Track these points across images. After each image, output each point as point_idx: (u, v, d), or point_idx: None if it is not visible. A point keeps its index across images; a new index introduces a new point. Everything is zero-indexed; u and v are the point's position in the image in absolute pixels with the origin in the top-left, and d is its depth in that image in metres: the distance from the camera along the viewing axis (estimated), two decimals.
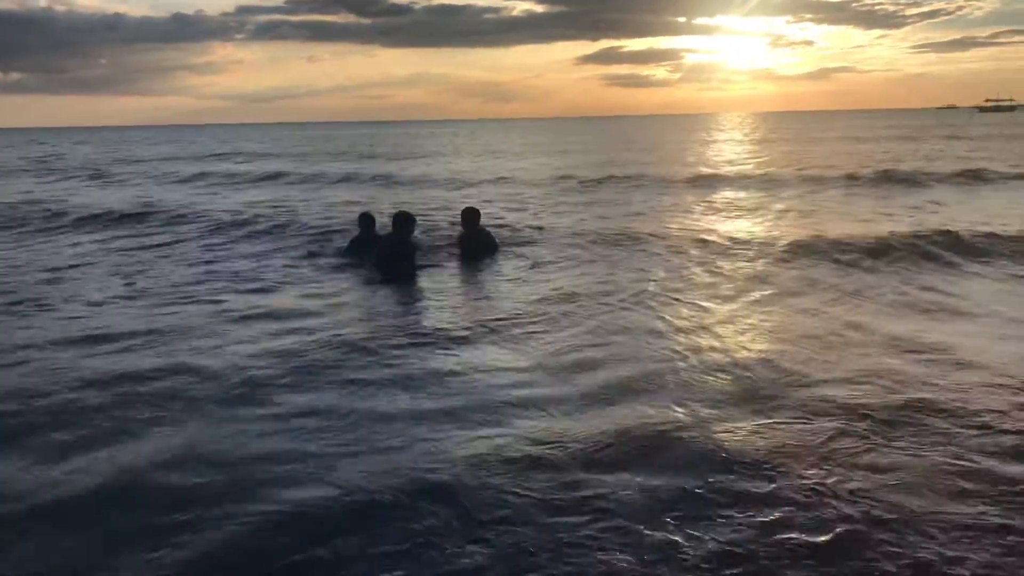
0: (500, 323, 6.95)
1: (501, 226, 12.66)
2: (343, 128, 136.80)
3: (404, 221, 9.90)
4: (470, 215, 10.90)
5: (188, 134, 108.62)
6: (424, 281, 9.13)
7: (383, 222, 10.89)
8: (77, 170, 32.53)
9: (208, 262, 10.62)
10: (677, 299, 7.79)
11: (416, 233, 10.42)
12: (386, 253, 9.80)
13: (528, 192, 19.51)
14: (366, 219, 10.82)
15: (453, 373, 5.60)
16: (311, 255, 10.91)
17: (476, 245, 10.74)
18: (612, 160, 31.44)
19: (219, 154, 44.55)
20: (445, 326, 6.87)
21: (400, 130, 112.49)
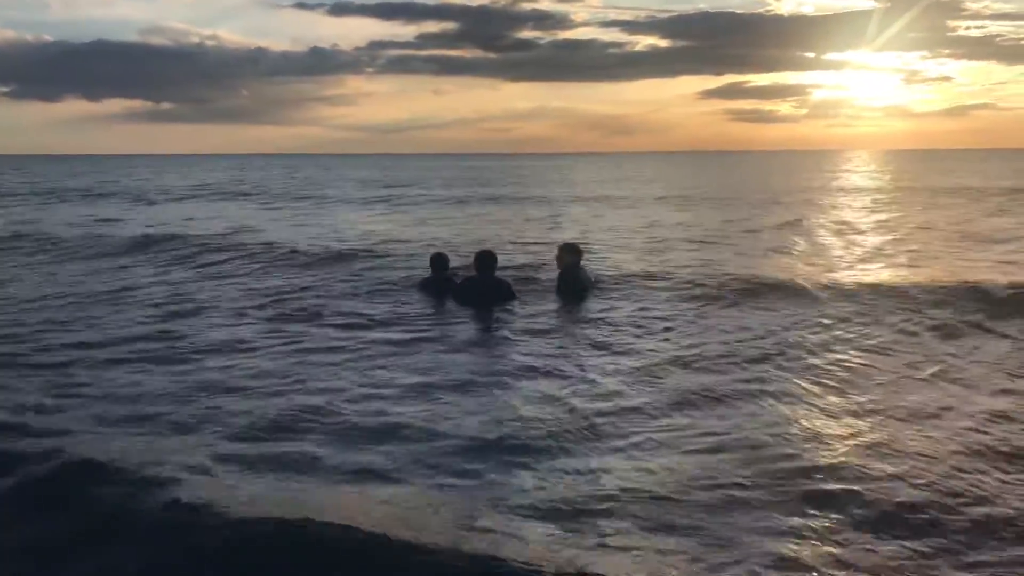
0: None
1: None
2: (470, 160, 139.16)
3: (486, 260, 9.72)
4: (568, 249, 10.39)
5: (325, 162, 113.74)
6: (500, 330, 8.53)
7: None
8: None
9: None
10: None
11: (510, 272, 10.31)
12: (466, 295, 9.58)
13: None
14: (439, 260, 10.44)
15: None
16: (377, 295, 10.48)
17: (571, 285, 10.13)
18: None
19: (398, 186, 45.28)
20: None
21: (522, 163, 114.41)
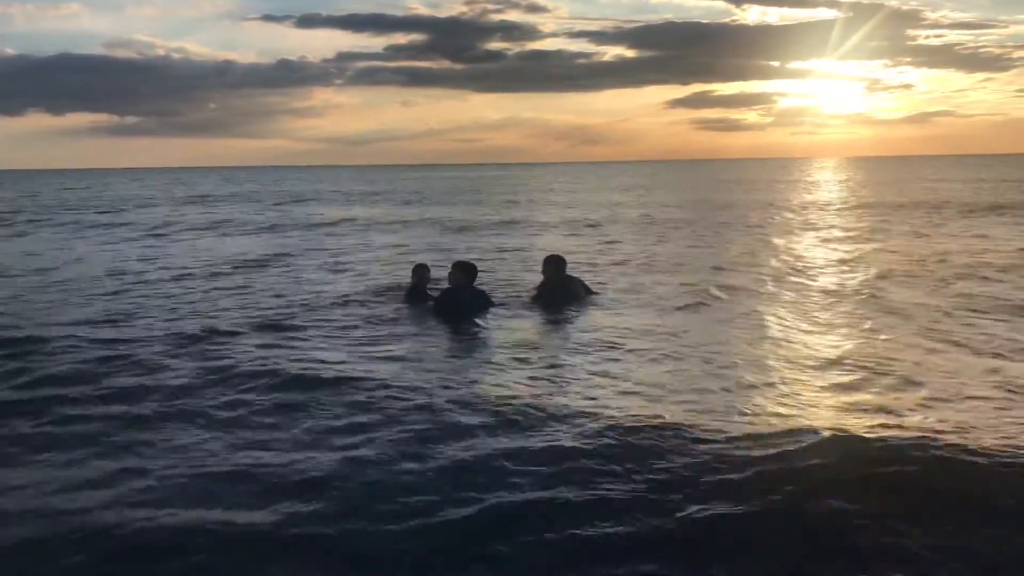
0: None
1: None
2: (439, 171, 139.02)
3: (464, 270, 9.69)
4: (553, 262, 10.18)
5: (294, 174, 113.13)
6: (483, 334, 8.64)
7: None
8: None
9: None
10: None
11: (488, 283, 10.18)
12: (445, 305, 9.55)
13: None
14: (421, 270, 10.45)
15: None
16: (360, 304, 10.35)
17: (559, 293, 9.96)
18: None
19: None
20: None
21: (491, 173, 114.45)
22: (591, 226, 23.05)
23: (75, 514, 4.24)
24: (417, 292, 10.17)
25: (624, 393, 6.24)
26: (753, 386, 6.36)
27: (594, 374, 6.82)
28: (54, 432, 5.57)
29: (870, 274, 12.37)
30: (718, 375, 6.70)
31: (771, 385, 6.40)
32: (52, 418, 5.86)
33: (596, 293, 10.48)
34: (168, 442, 5.34)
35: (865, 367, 6.84)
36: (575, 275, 10.65)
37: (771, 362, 7.15)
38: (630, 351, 7.61)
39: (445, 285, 10.07)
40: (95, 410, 6.02)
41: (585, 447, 5.01)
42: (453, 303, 9.52)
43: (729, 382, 6.50)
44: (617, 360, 7.30)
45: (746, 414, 5.66)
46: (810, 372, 6.79)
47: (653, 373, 6.84)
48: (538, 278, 10.54)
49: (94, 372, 7.06)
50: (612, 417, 5.54)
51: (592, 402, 5.94)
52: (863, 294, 10.59)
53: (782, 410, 5.75)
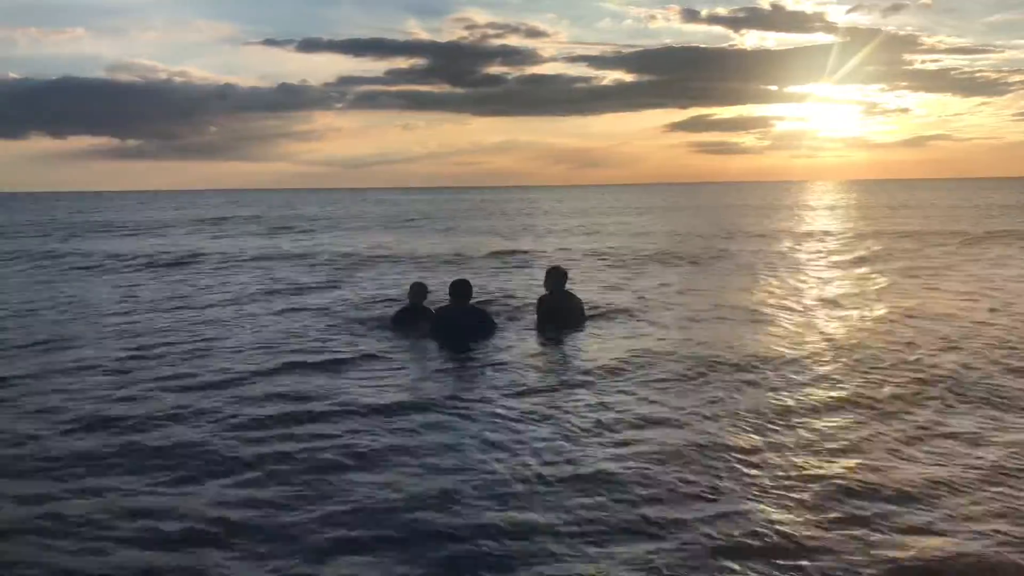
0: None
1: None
2: (438, 194, 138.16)
3: (460, 288, 9.57)
4: (553, 275, 10.11)
5: (288, 198, 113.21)
6: (480, 354, 8.77)
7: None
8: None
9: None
10: None
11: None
12: (442, 324, 9.49)
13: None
14: (418, 288, 10.40)
15: None
16: (355, 322, 10.69)
17: (558, 309, 9.98)
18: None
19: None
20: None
21: (502, 196, 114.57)
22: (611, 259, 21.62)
23: None
24: (413, 311, 10.20)
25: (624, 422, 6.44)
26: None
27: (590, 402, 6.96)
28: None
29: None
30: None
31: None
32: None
33: (588, 316, 10.46)
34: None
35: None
36: (575, 291, 10.67)
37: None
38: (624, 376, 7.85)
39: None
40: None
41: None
42: (448, 323, 9.54)
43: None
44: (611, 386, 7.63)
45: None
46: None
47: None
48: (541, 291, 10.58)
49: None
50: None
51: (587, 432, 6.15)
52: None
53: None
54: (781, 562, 4.03)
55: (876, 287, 14.24)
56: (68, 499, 4.95)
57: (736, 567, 4.00)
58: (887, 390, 7.08)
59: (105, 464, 5.57)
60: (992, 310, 11.23)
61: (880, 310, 11.55)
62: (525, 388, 7.38)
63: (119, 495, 5.00)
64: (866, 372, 7.75)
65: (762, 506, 4.68)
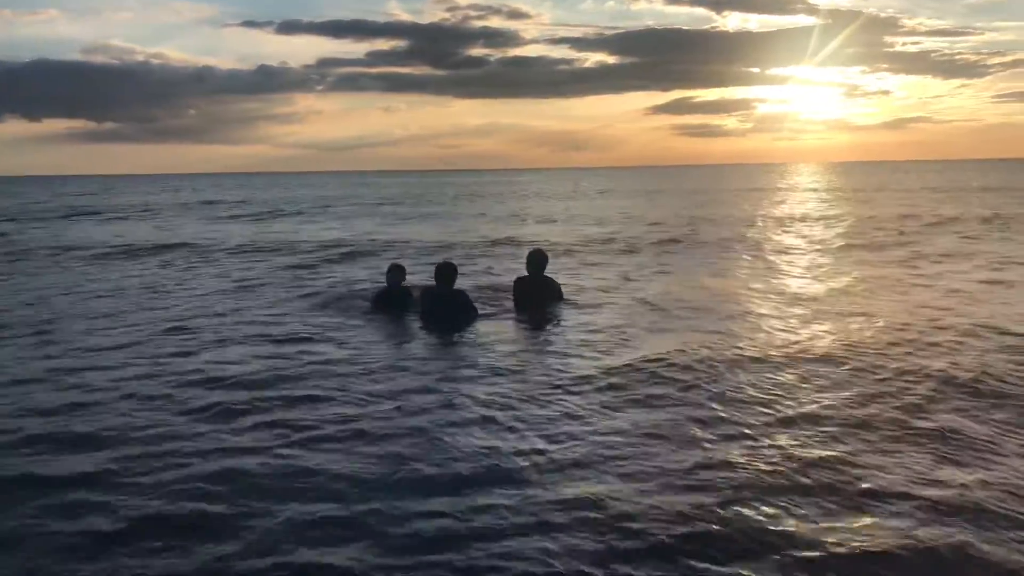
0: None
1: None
2: (421, 177, 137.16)
3: (446, 272, 9.62)
4: (534, 258, 10.25)
5: (265, 181, 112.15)
6: (462, 335, 8.89)
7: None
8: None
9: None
10: None
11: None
12: (429, 307, 9.58)
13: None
14: (396, 271, 10.40)
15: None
16: (328, 306, 10.71)
17: (536, 292, 10.15)
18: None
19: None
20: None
21: (475, 179, 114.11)
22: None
23: None
24: (391, 292, 10.23)
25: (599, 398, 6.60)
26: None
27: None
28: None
29: None
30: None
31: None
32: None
33: (567, 300, 10.54)
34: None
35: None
36: (554, 276, 10.78)
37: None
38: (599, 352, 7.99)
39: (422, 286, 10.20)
40: None
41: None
42: (433, 306, 9.62)
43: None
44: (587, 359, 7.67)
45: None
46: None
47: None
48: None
49: None
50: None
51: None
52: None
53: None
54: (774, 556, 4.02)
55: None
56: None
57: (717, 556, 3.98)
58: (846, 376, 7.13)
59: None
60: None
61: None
62: (502, 368, 7.44)
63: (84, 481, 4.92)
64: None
65: (747, 489, 4.67)
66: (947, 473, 4.86)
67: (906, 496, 4.53)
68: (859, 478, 4.78)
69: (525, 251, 11.50)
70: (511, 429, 5.74)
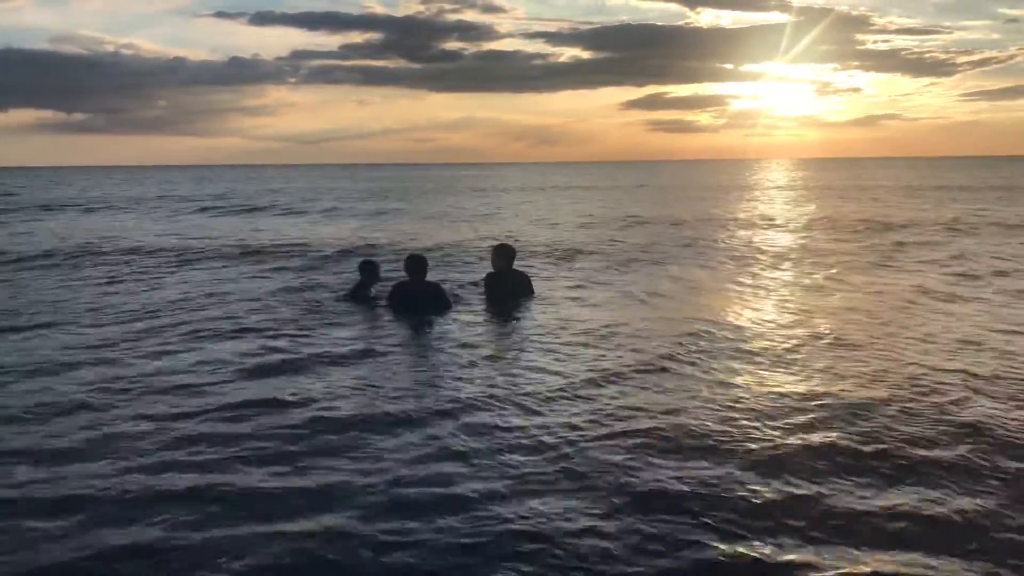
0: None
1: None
2: (395, 170, 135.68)
3: (416, 264, 9.74)
4: (502, 252, 10.40)
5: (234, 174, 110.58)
6: (441, 328, 8.96)
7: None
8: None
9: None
10: None
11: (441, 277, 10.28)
12: (398, 299, 9.65)
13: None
14: (369, 266, 10.53)
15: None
16: (304, 299, 10.71)
17: (507, 285, 10.29)
18: None
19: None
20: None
21: (449, 172, 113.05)
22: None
23: None
24: (363, 290, 10.30)
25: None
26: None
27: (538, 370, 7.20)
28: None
29: None
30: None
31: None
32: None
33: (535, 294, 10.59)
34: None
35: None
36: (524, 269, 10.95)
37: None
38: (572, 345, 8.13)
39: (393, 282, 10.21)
40: None
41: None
42: (405, 298, 9.65)
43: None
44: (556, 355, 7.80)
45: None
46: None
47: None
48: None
49: None
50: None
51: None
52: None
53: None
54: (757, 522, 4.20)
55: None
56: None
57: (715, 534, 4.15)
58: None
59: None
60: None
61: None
62: (477, 359, 7.59)
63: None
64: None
65: (734, 468, 4.86)
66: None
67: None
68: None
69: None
70: (486, 422, 5.83)
